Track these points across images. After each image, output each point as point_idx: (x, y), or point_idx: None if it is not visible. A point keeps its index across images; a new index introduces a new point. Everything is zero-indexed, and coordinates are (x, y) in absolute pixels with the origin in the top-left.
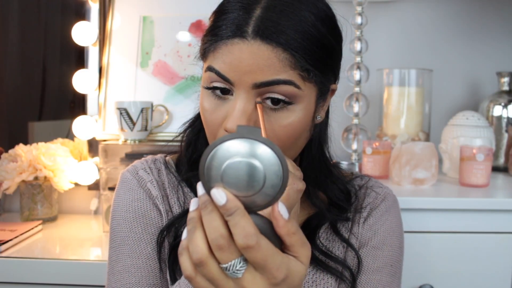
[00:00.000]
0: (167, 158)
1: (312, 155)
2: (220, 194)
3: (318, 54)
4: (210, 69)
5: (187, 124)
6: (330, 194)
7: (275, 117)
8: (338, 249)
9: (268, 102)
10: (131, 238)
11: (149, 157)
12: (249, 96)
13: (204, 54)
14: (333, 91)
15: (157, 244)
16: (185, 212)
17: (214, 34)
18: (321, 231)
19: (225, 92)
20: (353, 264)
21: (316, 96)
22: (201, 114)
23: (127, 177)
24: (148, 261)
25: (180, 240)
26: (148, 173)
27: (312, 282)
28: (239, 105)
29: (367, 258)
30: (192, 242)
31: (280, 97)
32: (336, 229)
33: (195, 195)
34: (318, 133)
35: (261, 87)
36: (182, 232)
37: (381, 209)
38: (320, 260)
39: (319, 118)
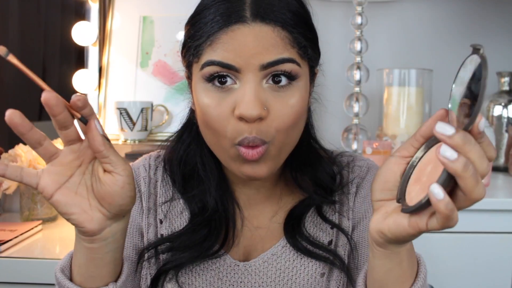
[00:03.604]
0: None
1: (301, 139)
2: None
3: (308, 32)
4: (209, 63)
5: (173, 139)
6: (319, 176)
7: (282, 97)
8: (327, 233)
9: (272, 81)
10: None
11: (155, 152)
12: (257, 78)
13: (197, 53)
14: (315, 75)
15: (139, 253)
16: (174, 237)
17: (207, 29)
18: (307, 216)
19: (225, 82)
20: (345, 246)
21: (309, 75)
22: (200, 114)
23: None
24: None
25: (163, 266)
26: (146, 169)
27: (301, 265)
28: (250, 89)
29: (364, 223)
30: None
31: (284, 73)
32: (322, 214)
33: (185, 199)
34: (307, 118)
35: (267, 67)
36: (161, 253)
37: (369, 178)
38: (306, 249)
39: (308, 103)
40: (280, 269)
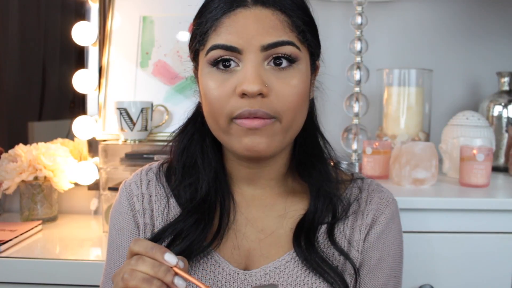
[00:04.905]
0: (164, 165)
1: (307, 130)
2: None
3: (308, 19)
4: (214, 47)
5: (178, 130)
6: (322, 170)
7: (283, 77)
8: (334, 258)
9: (273, 63)
10: (112, 247)
11: (146, 166)
12: (258, 59)
13: (203, 40)
14: (318, 68)
15: None
16: (168, 226)
17: (211, 16)
18: (319, 235)
19: (229, 65)
20: (351, 274)
21: (310, 63)
22: (204, 98)
23: (121, 188)
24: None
25: None
26: (138, 187)
27: (304, 284)
28: (251, 67)
29: (375, 272)
30: None
31: (285, 55)
32: (332, 238)
33: (180, 205)
34: (311, 109)
35: (268, 49)
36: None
37: (386, 216)
38: (317, 264)
39: (311, 94)
40: (282, 284)
